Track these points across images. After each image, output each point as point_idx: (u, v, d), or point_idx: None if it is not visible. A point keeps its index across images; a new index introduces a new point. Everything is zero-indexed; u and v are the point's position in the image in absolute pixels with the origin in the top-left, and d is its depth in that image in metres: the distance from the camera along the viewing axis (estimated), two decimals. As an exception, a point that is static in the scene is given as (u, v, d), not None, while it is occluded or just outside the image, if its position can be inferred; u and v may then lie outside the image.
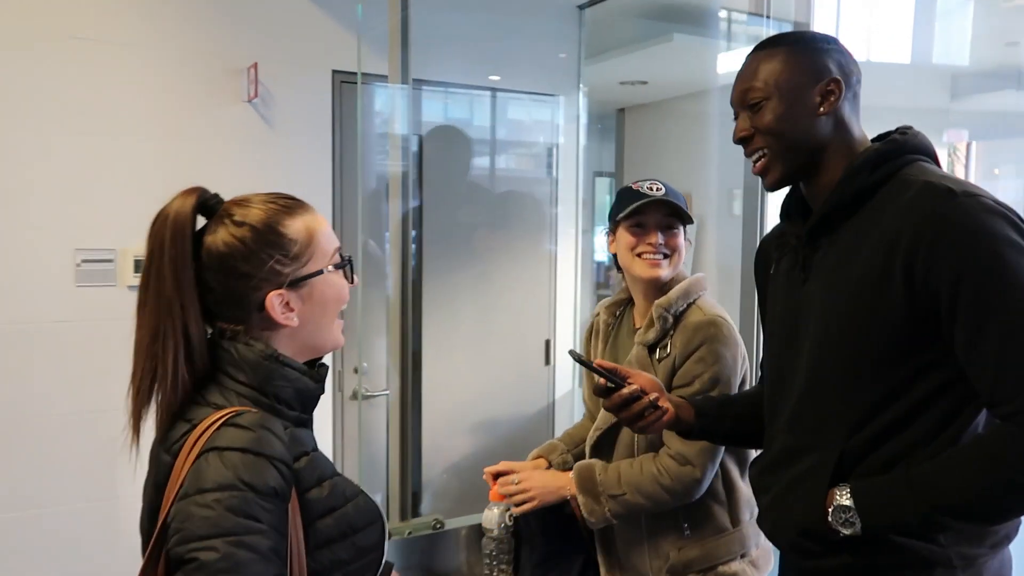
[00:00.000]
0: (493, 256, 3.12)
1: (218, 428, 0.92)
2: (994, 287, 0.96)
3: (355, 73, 2.34)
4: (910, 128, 1.14)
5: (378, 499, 1.20)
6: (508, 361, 3.12)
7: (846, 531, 1.04)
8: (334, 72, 2.67)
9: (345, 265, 1.08)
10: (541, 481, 1.61)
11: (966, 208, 0.98)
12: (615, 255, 1.65)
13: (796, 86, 1.11)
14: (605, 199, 5.02)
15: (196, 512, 0.86)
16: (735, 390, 1.52)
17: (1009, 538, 1.10)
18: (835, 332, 1.09)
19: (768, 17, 2.27)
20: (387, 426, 2.29)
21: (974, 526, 1.04)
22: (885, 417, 1.05)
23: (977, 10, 3.61)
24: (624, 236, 1.59)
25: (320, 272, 1.03)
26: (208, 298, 1.00)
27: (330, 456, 2.74)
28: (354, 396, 2.85)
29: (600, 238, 4.99)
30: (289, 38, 2.58)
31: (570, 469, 1.71)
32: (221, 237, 0.99)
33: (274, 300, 0.99)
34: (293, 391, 1.01)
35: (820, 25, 2.34)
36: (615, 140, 4.45)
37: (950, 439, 1.03)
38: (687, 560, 1.54)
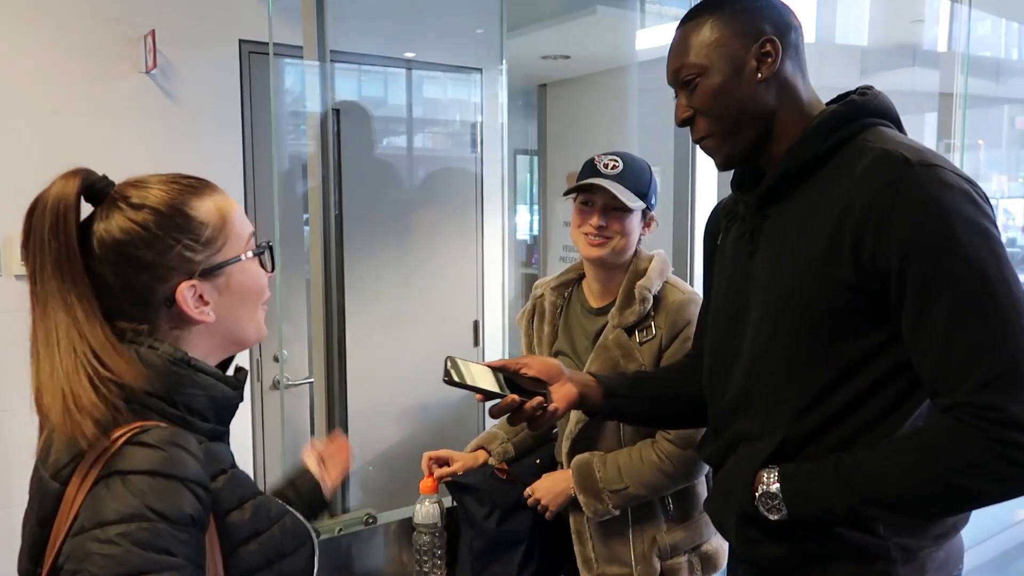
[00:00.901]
0: (417, 236, 3.02)
1: (119, 448, 0.80)
2: (942, 268, 0.89)
3: (264, 43, 2.19)
4: (871, 88, 1.06)
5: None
6: (436, 343, 3.04)
7: (773, 516, 1.01)
8: (241, 42, 2.49)
9: (263, 252, 0.97)
10: (545, 488, 1.57)
11: (921, 179, 0.91)
12: None
13: (729, 55, 1.02)
14: (526, 177, 4.98)
15: (96, 550, 0.74)
16: None
17: (957, 528, 1.07)
18: (780, 308, 1.04)
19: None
20: (311, 417, 2.18)
21: (905, 520, 1.00)
22: (833, 402, 1.00)
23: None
24: (574, 211, 1.57)
25: (237, 259, 0.92)
26: (105, 295, 0.87)
27: (250, 449, 2.63)
28: (274, 386, 2.72)
29: (522, 217, 4.96)
30: (189, 3, 2.38)
31: (511, 458, 1.69)
32: (117, 223, 0.86)
33: (186, 292, 0.87)
34: (207, 400, 0.89)
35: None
36: (537, 116, 4.39)
37: (893, 428, 0.99)
38: (674, 542, 1.55)
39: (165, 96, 2.35)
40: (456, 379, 1.14)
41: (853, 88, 1.08)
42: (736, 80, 1.03)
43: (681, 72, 1.07)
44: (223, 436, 0.94)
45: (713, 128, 1.06)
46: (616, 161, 1.53)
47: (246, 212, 2.65)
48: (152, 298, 0.88)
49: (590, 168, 1.54)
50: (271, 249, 0.98)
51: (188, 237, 0.88)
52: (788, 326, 1.03)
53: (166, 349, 0.87)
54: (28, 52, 2.17)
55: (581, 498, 1.51)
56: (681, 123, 1.09)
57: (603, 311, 1.59)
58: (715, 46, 1.03)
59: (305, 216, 2.74)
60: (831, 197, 0.98)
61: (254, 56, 2.52)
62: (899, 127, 1.06)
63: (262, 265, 0.97)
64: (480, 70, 3.11)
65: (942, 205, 0.90)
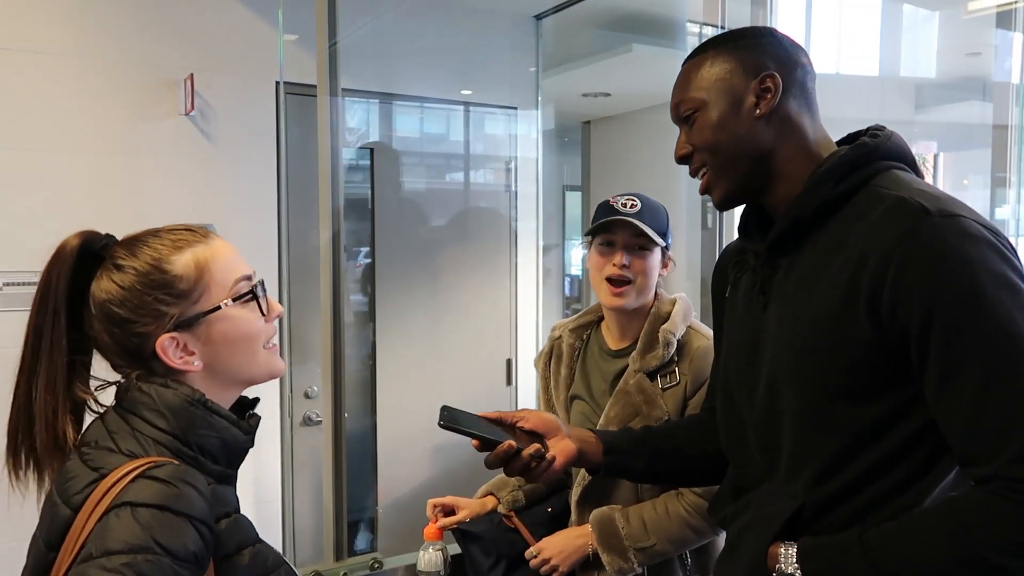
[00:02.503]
0: (451, 273, 3.02)
1: (132, 480, 0.83)
2: (970, 325, 0.82)
3: (301, 84, 2.25)
4: (883, 129, 0.99)
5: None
6: (468, 382, 3.01)
7: None
8: (278, 84, 2.55)
9: (250, 296, 0.96)
10: (558, 547, 1.49)
11: (941, 230, 0.84)
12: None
13: (727, 90, 0.98)
14: (576, 212, 4.96)
15: None
16: None
17: None
18: (792, 367, 0.96)
19: (723, 28, 2.20)
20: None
21: None
22: (853, 468, 0.91)
23: (941, 22, 3.60)
24: (594, 254, 1.54)
25: (216, 308, 0.93)
26: (103, 349, 0.94)
27: (278, 487, 2.62)
28: (305, 422, 2.73)
29: (576, 251, 4.93)
30: (228, 49, 2.46)
31: (521, 506, 1.63)
32: (103, 285, 0.92)
33: (166, 344, 0.91)
34: (219, 442, 0.93)
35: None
36: (581, 153, 4.38)
37: (921, 496, 0.90)
38: None
39: (203, 137, 2.42)
40: (453, 424, 1.11)
41: (864, 128, 1.02)
42: (733, 114, 0.99)
43: (681, 107, 1.03)
44: (231, 479, 0.97)
45: (709, 163, 1.02)
46: (634, 200, 1.51)
47: (279, 250, 2.68)
48: (140, 351, 0.92)
49: (607, 209, 1.52)
50: (256, 293, 0.97)
51: (163, 292, 0.92)
52: (800, 385, 0.96)
53: (184, 390, 0.91)
54: (75, 95, 2.27)
55: (604, 556, 1.44)
56: (680, 159, 1.05)
57: (622, 353, 1.55)
58: (714, 80, 1.00)
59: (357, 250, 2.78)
60: (845, 248, 0.91)
61: (291, 97, 2.58)
62: (915, 169, 0.99)
63: (260, 307, 0.97)
64: (518, 108, 3.12)
65: (965, 258, 0.83)
